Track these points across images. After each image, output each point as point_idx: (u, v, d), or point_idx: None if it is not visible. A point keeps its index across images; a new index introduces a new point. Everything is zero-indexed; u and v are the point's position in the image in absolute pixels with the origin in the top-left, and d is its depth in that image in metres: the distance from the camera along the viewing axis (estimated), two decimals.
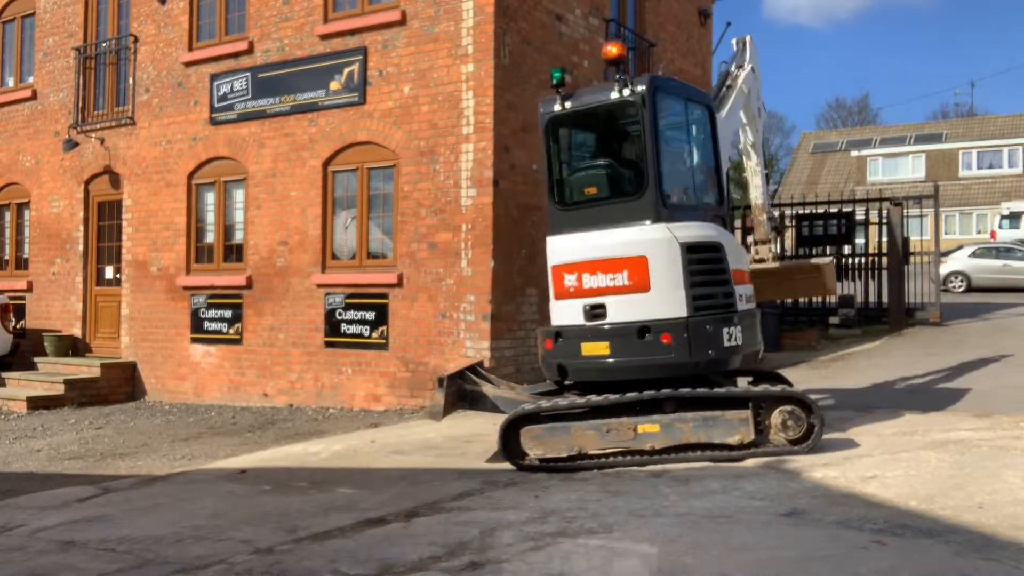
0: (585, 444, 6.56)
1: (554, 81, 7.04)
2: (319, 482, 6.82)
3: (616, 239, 6.73)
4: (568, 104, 7.19)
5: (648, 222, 6.68)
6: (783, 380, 7.52)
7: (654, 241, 6.65)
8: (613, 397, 6.56)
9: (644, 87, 6.80)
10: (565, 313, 6.95)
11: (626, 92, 6.82)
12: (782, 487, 5.65)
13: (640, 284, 6.60)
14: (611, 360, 6.68)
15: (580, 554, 4.52)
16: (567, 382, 7.10)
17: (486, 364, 10.63)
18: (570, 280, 6.87)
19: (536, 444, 6.61)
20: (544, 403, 6.86)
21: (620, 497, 5.65)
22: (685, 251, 6.63)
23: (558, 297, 7.00)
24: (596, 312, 6.72)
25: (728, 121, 7.96)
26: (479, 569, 4.34)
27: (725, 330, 6.71)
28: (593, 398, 6.61)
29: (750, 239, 8.24)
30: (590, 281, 6.78)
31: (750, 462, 6.35)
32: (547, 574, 4.24)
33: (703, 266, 6.78)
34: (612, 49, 6.95)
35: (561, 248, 7.01)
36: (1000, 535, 4.49)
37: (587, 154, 7.62)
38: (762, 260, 8.83)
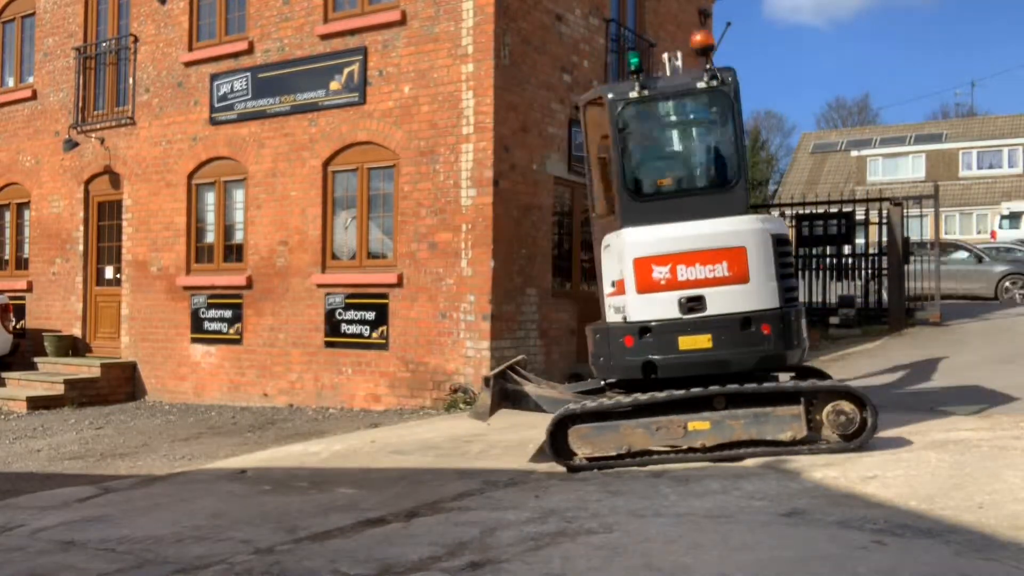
0: (634, 442, 6.50)
1: (632, 66, 6.85)
2: (319, 482, 6.82)
3: (713, 230, 6.62)
4: (647, 90, 6.91)
5: (740, 213, 6.71)
6: (825, 375, 7.35)
7: (752, 232, 6.64)
8: (661, 395, 6.46)
9: (732, 77, 6.79)
10: (653, 307, 6.68)
11: (714, 82, 6.75)
12: (782, 487, 5.65)
13: (740, 275, 6.57)
14: (714, 353, 6.59)
15: (580, 554, 4.52)
16: (655, 378, 6.83)
17: (486, 364, 10.65)
18: (661, 272, 6.65)
19: (584, 443, 6.55)
20: (590, 402, 6.74)
21: (620, 497, 5.65)
22: (775, 243, 6.69)
23: (643, 290, 6.68)
24: (693, 305, 6.59)
25: None
26: (479, 569, 4.34)
27: (801, 322, 6.84)
28: (640, 396, 6.51)
29: None
30: (686, 273, 6.61)
31: (749, 462, 6.35)
32: (547, 574, 4.24)
33: (786, 258, 6.89)
34: (698, 37, 6.82)
35: (646, 240, 6.71)
36: (1000, 535, 4.49)
37: (667, 143, 7.44)
38: None
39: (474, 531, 5.02)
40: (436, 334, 11.10)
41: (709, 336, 6.58)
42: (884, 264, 15.20)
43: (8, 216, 16.35)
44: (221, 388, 13.08)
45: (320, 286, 12.12)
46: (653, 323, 6.67)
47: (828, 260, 16.02)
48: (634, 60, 6.86)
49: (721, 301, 6.58)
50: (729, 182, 6.85)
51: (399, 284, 11.38)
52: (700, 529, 4.84)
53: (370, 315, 11.63)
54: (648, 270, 6.69)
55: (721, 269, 6.59)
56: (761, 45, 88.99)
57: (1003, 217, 33.85)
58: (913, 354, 12.11)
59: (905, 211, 14.92)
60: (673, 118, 7.39)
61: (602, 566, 4.31)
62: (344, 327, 11.87)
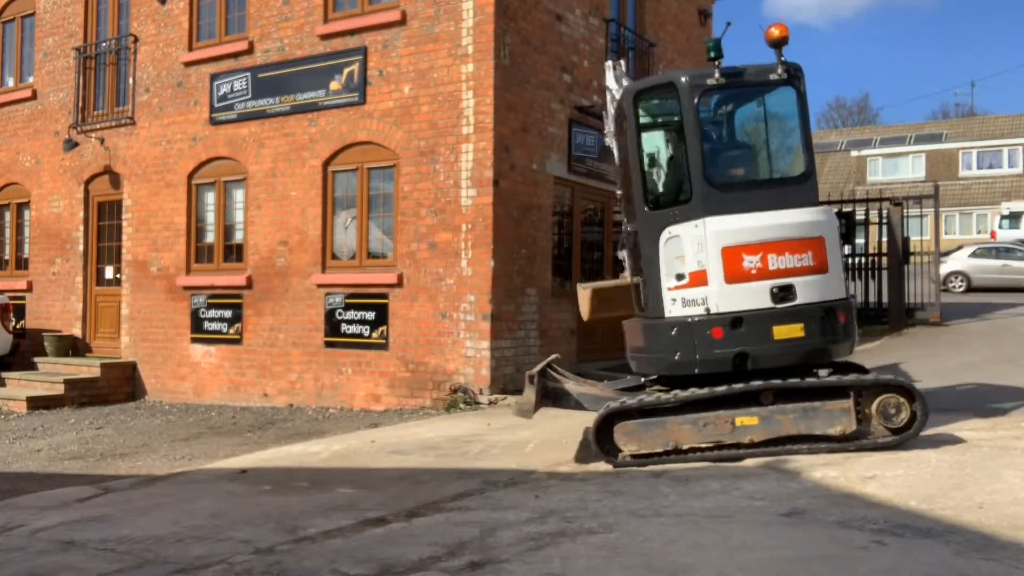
0: (681, 439, 6.46)
1: (712, 54, 6.72)
2: (319, 482, 6.82)
3: (798, 219, 6.60)
4: (727, 78, 6.76)
5: (813, 205, 6.75)
6: (863, 368, 7.20)
7: (828, 223, 6.72)
8: (702, 392, 6.42)
9: (801, 72, 6.84)
10: (743, 297, 6.56)
11: (786, 75, 6.77)
12: (782, 487, 5.65)
13: (820, 265, 6.60)
14: (807, 341, 6.54)
15: (580, 554, 4.52)
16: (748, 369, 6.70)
17: (486, 364, 10.65)
18: (752, 261, 6.53)
19: (630, 440, 6.52)
20: (635, 399, 6.67)
21: (620, 497, 5.65)
22: (839, 235, 6.82)
23: (733, 280, 6.55)
24: (784, 294, 6.54)
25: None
26: (479, 569, 4.34)
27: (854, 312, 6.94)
28: (680, 393, 6.48)
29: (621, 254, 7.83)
30: (776, 262, 6.55)
31: (749, 462, 6.35)
32: (547, 574, 4.24)
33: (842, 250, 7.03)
34: (775, 31, 6.73)
35: (736, 228, 6.58)
36: (1000, 535, 4.49)
37: (743, 133, 7.37)
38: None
39: (474, 531, 5.02)
40: (436, 334, 11.10)
41: (802, 325, 6.52)
42: (884, 264, 15.21)
43: (8, 216, 16.35)
44: (221, 388, 13.08)
45: (320, 286, 12.12)
46: (747, 313, 6.53)
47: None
48: (714, 47, 6.72)
49: (807, 290, 6.57)
50: (804, 173, 6.85)
51: (399, 284, 11.38)
52: (700, 529, 4.83)
53: (370, 315, 11.63)
54: (738, 259, 6.56)
55: (807, 259, 6.57)
56: (762, 45, 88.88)
57: (1003, 217, 33.84)
58: (913, 354, 12.11)
59: (905, 211, 14.93)
60: (752, 108, 7.29)
61: (602, 566, 4.31)
62: (344, 327, 11.87)
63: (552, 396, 7.13)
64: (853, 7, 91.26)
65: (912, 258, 15.20)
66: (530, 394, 6.94)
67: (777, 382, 6.38)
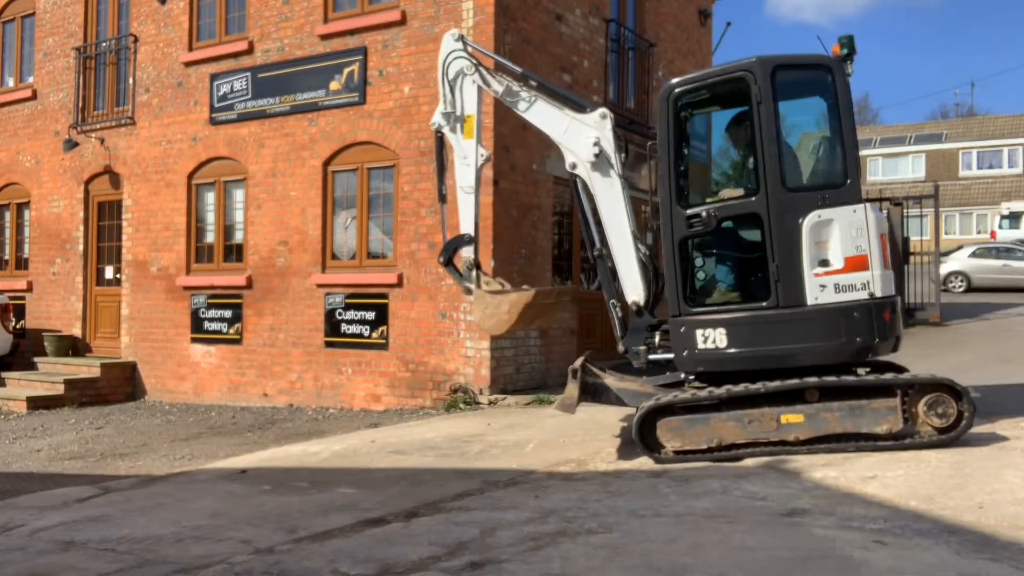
0: (725, 435, 6.40)
1: (847, 50, 6.70)
2: (319, 482, 6.82)
3: (875, 216, 6.69)
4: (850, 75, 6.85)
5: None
6: (901, 368, 7.19)
7: None
8: (755, 387, 6.34)
9: None
10: (889, 283, 6.69)
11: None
12: (782, 487, 5.65)
13: (887, 260, 6.76)
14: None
15: (580, 554, 4.52)
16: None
17: (486, 364, 10.65)
18: (885, 250, 6.73)
19: (674, 436, 6.48)
20: (687, 393, 6.60)
21: (620, 497, 5.65)
22: None
23: (885, 266, 6.63)
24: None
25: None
26: (479, 569, 4.34)
27: None
28: (733, 388, 6.39)
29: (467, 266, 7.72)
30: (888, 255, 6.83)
31: (749, 462, 6.35)
32: (547, 574, 4.24)
33: None
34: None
35: (882, 216, 6.79)
36: (1000, 535, 4.49)
37: (826, 135, 7.15)
38: (502, 285, 7.94)
39: (474, 531, 5.02)
40: (436, 334, 11.10)
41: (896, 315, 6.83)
42: None
43: (8, 216, 16.35)
44: (221, 388, 13.08)
45: (320, 286, 12.12)
46: (893, 299, 6.68)
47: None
48: (848, 43, 6.70)
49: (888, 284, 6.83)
50: (853, 175, 6.87)
51: (399, 284, 11.38)
52: (700, 529, 4.83)
53: (370, 315, 11.63)
54: (886, 247, 6.66)
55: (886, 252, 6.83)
56: (762, 44, 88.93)
57: (1003, 217, 33.84)
58: (913, 354, 12.08)
59: (905, 211, 14.94)
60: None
61: (602, 566, 4.31)
62: (344, 327, 11.87)
63: (592, 391, 7.06)
64: (854, 5, 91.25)
65: (912, 258, 15.21)
66: (573, 389, 6.89)
67: (831, 379, 6.29)
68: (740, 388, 6.36)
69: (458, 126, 7.74)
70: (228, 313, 13.04)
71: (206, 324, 13.29)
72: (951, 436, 6.29)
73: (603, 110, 7.27)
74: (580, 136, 7.24)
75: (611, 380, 7.15)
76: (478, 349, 10.75)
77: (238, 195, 13.19)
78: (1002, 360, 11.22)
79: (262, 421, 11.22)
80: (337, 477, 7.03)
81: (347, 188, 12.09)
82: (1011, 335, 13.57)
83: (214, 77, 13.23)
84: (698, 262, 6.98)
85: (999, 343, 12.77)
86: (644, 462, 6.60)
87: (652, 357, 7.09)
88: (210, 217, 13.56)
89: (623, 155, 7.29)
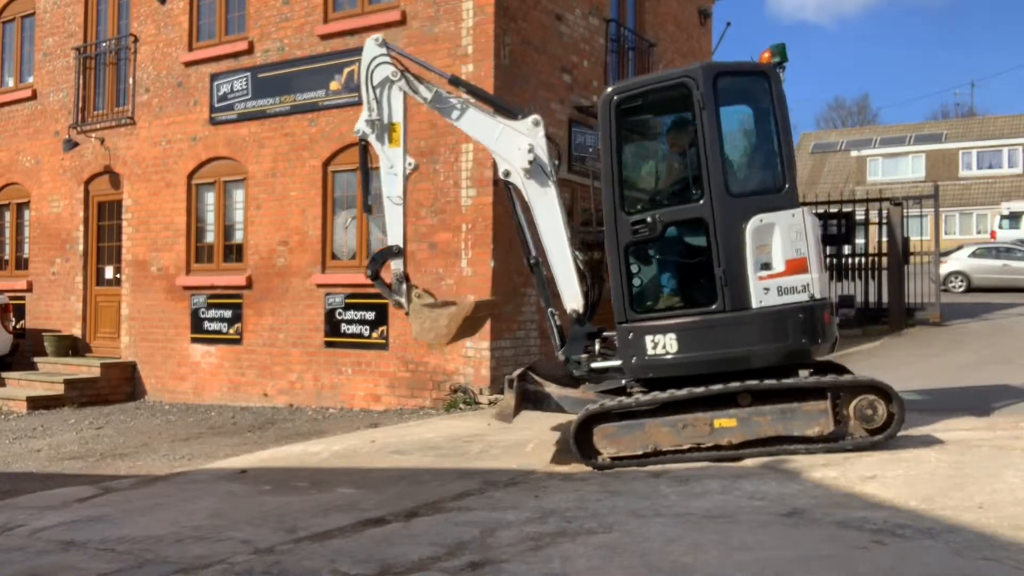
0: (660, 441, 6.47)
1: (778, 58, 6.75)
2: (319, 482, 6.82)
3: (812, 220, 6.83)
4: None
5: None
6: (844, 369, 7.15)
7: None
8: (680, 393, 6.41)
9: None
10: (824, 286, 6.83)
11: None
12: (782, 487, 5.65)
13: (823, 264, 7.03)
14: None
15: (580, 554, 4.52)
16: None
17: (486, 364, 10.65)
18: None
19: (610, 443, 6.53)
20: (614, 401, 6.66)
21: (620, 497, 5.65)
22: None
23: (820, 270, 6.84)
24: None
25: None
26: (479, 569, 4.34)
27: None
28: (659, 394, 6.46)
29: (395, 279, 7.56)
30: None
31: (749, 462, 6.35)
32: (547, 574, 4.24)
33: None
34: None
35: (815, 221, 7.01)
36: (1000, 535, 4.49)
37: (765, 141, 7.21)
38: (433, 297, 7.77)
39: (474, 531, 5.02)
40: None
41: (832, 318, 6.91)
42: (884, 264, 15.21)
43: (8, 216, 16.36)
44: (221, 388, 13.08)
45: (320, 286, 12.12)
46: (827, 302, 6.71)
47: (828, 260, 16.02)
48: (780, 51, 6.80)
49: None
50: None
51: None
52: (700, 529, 4.84)
53: (370, 315, 11.63)
54: (820, 250, 6.79)
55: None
56: (764, 44, 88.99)
57: (1003, 217, 33.83)
58: (913, 354, 12.11)
59: (905, 211, 14.93)
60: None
61: (602, 566, 4.31)
62: (344, 327, 11.87)
63: (533, 399, 7.06)
64: (856, 4, 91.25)
65: (912, 258, 15.21)
66: (510, 398, 6.90)
67: (754, 382, 6.35)
68: (665, 395, 6.43)
69: (384, 134, 7.49)
70: (228, 313, 13.04)
71: (206, 324, 13.29)
72: (882, 437, 6.34)
73: (536, 117, 7.22)
74: (513, 143, 7.18)
75: (552, 388, 7.16)
76: (478, 349, 10.75)
77: (238, 195, 13.19)
78: (1002, 360, 11.22)
79: (262, 421, 11.22)
80: (337, 477, 7.03)
81: (347, 188, 12.09)
82: (1011, 335, 13.57)
83: (214, 77, 13.23)
84: (644, 268, 7.02)
85: (999, 343, 12.76)
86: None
87: (595, 365, 7.10)
88: (210, 217, 13.56)
89: (557, 162, 7.30)
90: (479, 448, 7.82)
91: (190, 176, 13.59)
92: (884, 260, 15.22)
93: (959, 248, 26.01)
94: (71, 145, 14.58)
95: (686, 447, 6.47)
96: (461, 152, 10.96)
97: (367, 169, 7.66)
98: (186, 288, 13.52)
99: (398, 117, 7.49)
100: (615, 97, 6.86)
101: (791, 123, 6.88)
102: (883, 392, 6.34)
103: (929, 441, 6.71)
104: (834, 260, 15.89)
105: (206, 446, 9.72)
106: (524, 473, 6.67)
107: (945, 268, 22.37)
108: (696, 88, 6.60)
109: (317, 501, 6.12)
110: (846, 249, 15.86)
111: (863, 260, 15.63)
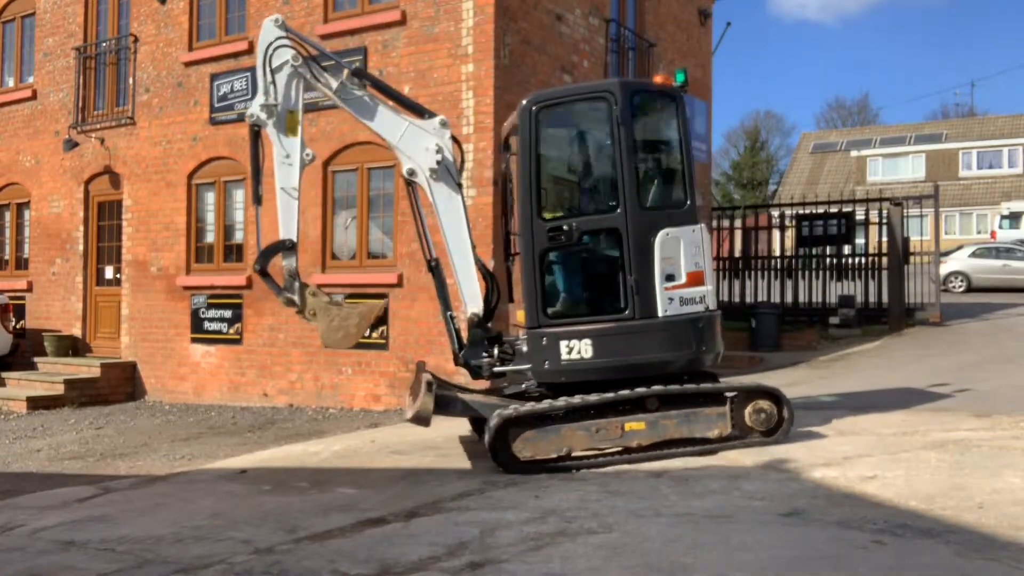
0: (575, 444, 6.64)
1: (682, 78, 7.09)
2: (319, 482, 6.82)
3: (707, 236, 7.34)
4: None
5: None
6: (715, 377, 7.58)
7: None
8: (592, 397, 6.65)
9: None
10: (714, 298, 7.34)
11: None
12: (782, 487, 5.65)
13: (713, 278, 7.47)
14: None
15: (580, 554, 4.52)
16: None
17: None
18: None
19: (526, 446, 6.63)
20: (528, 406, 6.81)
21: (620, 497, 5.65)
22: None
23: (713, 283, 7.42)
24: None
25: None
26: (479, 569, 4.34)
27: None
28: (588, 397, 6.66)
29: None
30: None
31: (749, 461, 6.36)
32: (547, 574, 4.24)
33: None
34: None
35: (708, 238, 7.46)
36: (1000, 535, 4.50)
37: (672, 159, 7.63)
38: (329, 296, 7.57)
39: (474, 531, 5.02)
40: (436, 334, 11.09)
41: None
42: (884, 264, 15.21)
43: (8, 216, 16.35)
44: (221, 388, 13.08)
45: (321, 286, 12.09)
46: (718, 313, 7.17)
47: (828, 260, 16.04)
48: (683, 75, 7.15)
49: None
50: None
51: (399, 284, 11.37)
52: (700, 529, 4.84)
53: None
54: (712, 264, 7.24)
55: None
56: (763, 43, 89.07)
57: (1003, 217, 33.81)
58: (913, 354, 12.12)
59: (905, 211, 14.94)
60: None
61: (602, 566, 4.32)
62: None
63: (441, 404, 7.04)
64: (858, 3, 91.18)
65: (912, 258, 15.22)
66: (429, 401, 6.82)
67: (660, 387, 6.68)
68: (577, 399, 6.65)
69: (282, 122, 7.14)
70: (228, 313, 13.04)
71: (206, 324, 13.29)
72: (774, 438, 6.80)
73: (443, 117, 7.23)
74: (419, 143, 7.14)
75: (465, 393, 7.26)
76: None
77: (238, 195, 13.19)
78: (1002, 360, 11.22)
79: (262, 421, 11.22)
80: (337, 477, 7.03)
81: (347, 188, 12.09)
82: (1011, 335, 13.57)
83: (214, 77, 13.23)
84: (559, 274, 7.23)
85: (999, 343, 12.77)
86: (644, 462, 6.59)
87: (498, 369, 7.18)
88: (210, 217, 13.56)
89: (459, 163, 7.37)
90: (481, 448, 7.81)
91: (190, 176, 13.59)
92: (884, 260, 15.23)
93: (959, 248, 26.01)
94: (71, 145, 14.58)
95: (597, 451, 6.72)
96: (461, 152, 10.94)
97: (257, 158, 7.31)
98: (186, 288, 13.52)
99: (297, 105, 7.17)
100: (535, 106, 7.03)
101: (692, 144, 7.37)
102: (775, 397, 6.87)
103: (929, 441, 6.73)
104: (834, 260, 15.91)
105: (206, 446, 9.72)
106: (521, 475, 6.67)
107: (945, 268, 22.38)
108: (615, 103, 6.87)
109: (317, 501, 6.13)
110: (846, 249, 15.87)
111: (863, 260, 15.64)
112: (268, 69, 7.10)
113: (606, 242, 7.06)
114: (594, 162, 7.44)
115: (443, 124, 7.18)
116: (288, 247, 7.31)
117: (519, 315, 7.31)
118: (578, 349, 6.77)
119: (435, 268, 7.44)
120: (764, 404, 6.82)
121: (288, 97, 7.14)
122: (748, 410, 6.80)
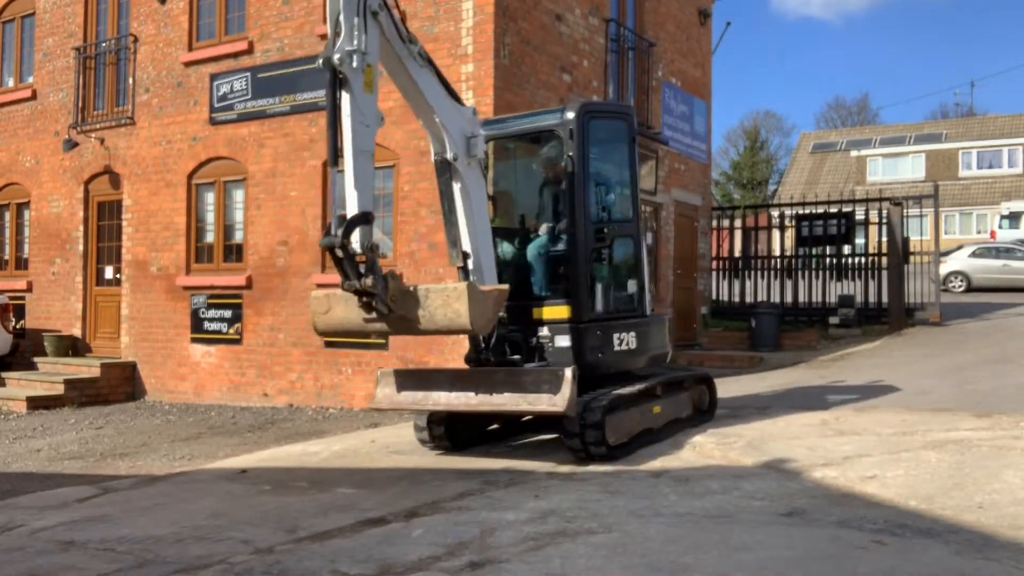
0: (634, 427, 7.17)
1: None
2: (319, 482, 6.82)
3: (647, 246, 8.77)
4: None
5: None
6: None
7: None
8: (640, 384, 7.58)
9: None
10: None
11: None
12: (782, 487, 5.65)
13: None
14: None
15: (580, 554, 4.52)
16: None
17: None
18: None
19: (612, 432, 6.97)
20: (617, 391, 7.37)
21: (620, 497, 5.65)
22: None
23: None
24: None
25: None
26: (479, 569, 4.34)
27: None
28: (642, 385, 7.57)
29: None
30: None
31: (749, 461, 6.36)
32: (547, 574, 4.24)
33: None
34: None
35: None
36: (1000, 535, 4.50)
37: (622, 175, 8.33)
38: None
39: (474, 531, 5.02)
40: None
41: None
42: (884, 264, 15.21)
43: (8, 216, 16.35)
44: (221, 388, 13.08)
45: (320, 286, 12.10)
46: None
47: (828, 260, 16.04)
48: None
49: None
50: None
51: None
52: (700, 529, 4.84)
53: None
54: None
55: None
56: (765, 43, 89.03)
57: (1003, 217, 33.80)
58: (913, 354, 12.11)
59: (905, 211, 14.93)
60: None
61: (602, 566, 4.32)
62: None
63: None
64: (860, 2, 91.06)
65: (912, 258, 15.21)
66: (571, 389, 6.87)
67: (681, 373, 8.28)
68: (641, 385, 7.46)
69: (359, 74, 6.16)
70: (228, 313, 13.04)
71: (206, 324, 13.29)
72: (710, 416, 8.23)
73: (474, 107, 7.35)
74: (459, 128, 7.08)
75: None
76: None
77: (238, 195, 13.19)
78: (1002, 360, 11.22)
79: (262, 421, 11.22)
80: (337, 477, 7.03)
81: None
82: (1011, 335, 13.57)
83: (214, 77, 13.23)
84: (603, 273, 7.81)
85: (999, 343, 12.76)
86: (644, 462, 6.60)
87: (530, 366, 7.30)
88: (210, 217, 13.56)
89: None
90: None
91: (190, 176, 13.59)
92: (884, 260, 15.23)
93: (959, 248, 25.99)
94: (71, 145, 14.58)
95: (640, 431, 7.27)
96: None
97: (336, 109, 6.18)
98: (186, 288, 13.52)
99: (374, 58, 6.36)
100: (487, 134, 7.49)
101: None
102: (708, 381, 8.19)
103: (929, 441, 6.73)
104: (834, 260, 15.91)
105: (206, 446, 9.72)
106: (524, 473, 6.68)
107: (945, 268, 22.37)
108: (570, 127, 7.30)
109: (317, 501, 6.13)
110: (846, 249, 15.86)
111: (863, 260, 15.63)
112: (365, 8, 6.11)
113: (630, 248, 7.83)
114: (549, 180, 7.85)
115: (475, 114, 7.32)
116: (370, 220, 6.47)
117: (548, 311, 7.37)
118: (627, 341, 7.51)
119: (468, 256, 7.12)
120: (703, 388, 8.12)
121: (373, 49, 6.29)
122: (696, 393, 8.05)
